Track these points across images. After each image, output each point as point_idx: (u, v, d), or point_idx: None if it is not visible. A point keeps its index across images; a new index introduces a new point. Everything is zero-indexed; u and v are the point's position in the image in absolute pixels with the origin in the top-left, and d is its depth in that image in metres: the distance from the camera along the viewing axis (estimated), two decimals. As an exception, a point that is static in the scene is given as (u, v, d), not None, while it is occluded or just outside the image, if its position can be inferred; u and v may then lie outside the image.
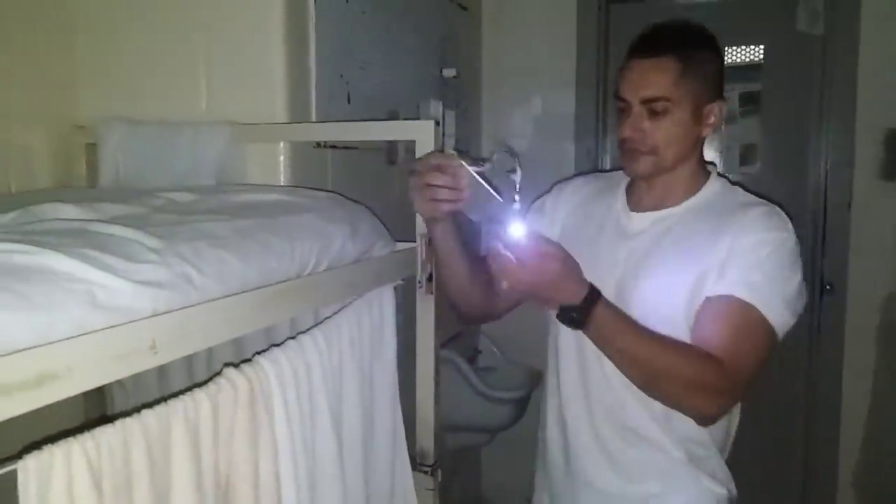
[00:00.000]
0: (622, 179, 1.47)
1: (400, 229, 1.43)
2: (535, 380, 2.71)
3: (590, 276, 1.22)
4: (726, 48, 2.83)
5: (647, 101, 1.29)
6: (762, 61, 2.81)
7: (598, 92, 2.87)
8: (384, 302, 1.34)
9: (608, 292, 1.25)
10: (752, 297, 1.21)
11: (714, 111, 1.32)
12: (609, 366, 1.27)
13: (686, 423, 1.29)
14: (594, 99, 2.86)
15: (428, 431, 1.43)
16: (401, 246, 1.42)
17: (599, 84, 2.87)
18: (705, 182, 1.37)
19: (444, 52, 2.52)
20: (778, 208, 1.33)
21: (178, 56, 1.69)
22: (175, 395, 0.85)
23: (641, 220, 1.38)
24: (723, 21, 2.85)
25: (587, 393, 1.40)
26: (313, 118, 1.73)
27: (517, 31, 2.89)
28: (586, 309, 1.18)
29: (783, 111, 2.81)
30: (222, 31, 1.65)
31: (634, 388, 1.26)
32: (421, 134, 1.43)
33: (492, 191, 1.23)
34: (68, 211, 1.04)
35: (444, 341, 2.61)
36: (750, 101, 2.82)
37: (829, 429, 2.67)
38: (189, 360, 1.32)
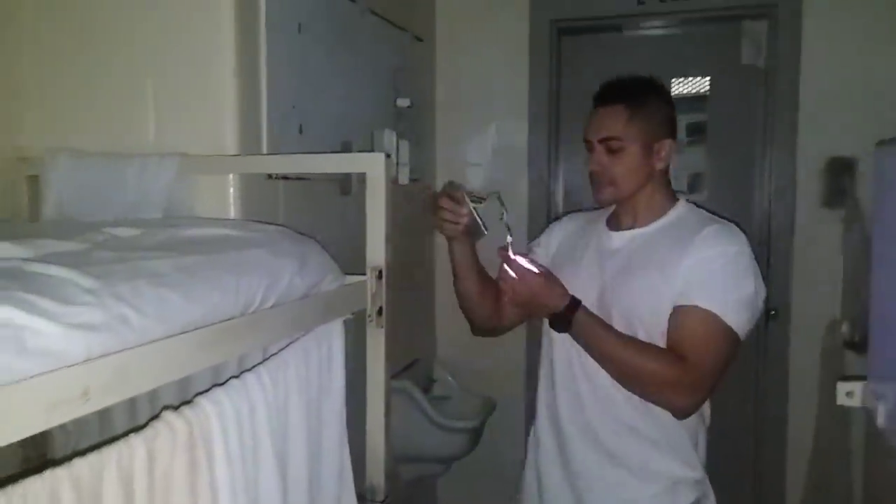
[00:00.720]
0: (607, 211, 1.72)
1: (353, 261, 1.43)
2: (490, 408, 2.72)
3: (576, 286, 1.54)
4: (673, 80, 2.91)
5: (603, 141, 1.58)
6: (708, 93, 2.89)
7: (551, 121, 2.91)
8: (333, 336, 1.33)
9: (592, 298, 1.56)
10: (710, 304, 1.44)
11: (664, 147, 1.59)
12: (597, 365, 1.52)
13: (664, 415, 1.50)
14: (546, 128, 2.90)
15: (378, 467, 1.42)
16: (351, 279, 1.41)
17: (552, 113, 2.91)
18: (672, 206, 1.62)
19: (398, 81, 2.54)
20: (733, 225, 1.57)
21: (125, 86, 1.67)
22: (112, 440, 0.83)
23: (619, 238, 1.63)
24: (670, 54, 2.94)
25: (578, 388, 1.62)
26: (264, 149, 1.73)
27: (471, 62, 2.92)
28: (568, 315, 1.49)
29: (728, 141, 2.89)
30: (172, 61, 1.64)
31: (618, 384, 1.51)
32: (372, 166, 1.44)
33: (481, 221, 1.59)
34: (5, 248, 1.02)
35: (399, 371, 2.61)
36: (696, 132, 2.89)
37: (776, 450, 2.72)
38: (132, 400, 1.29)
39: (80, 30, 1.69)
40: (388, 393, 1.47)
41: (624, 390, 1.52)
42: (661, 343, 1.49)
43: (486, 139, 2.95)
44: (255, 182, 1.68)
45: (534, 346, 2.90)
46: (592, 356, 1.52)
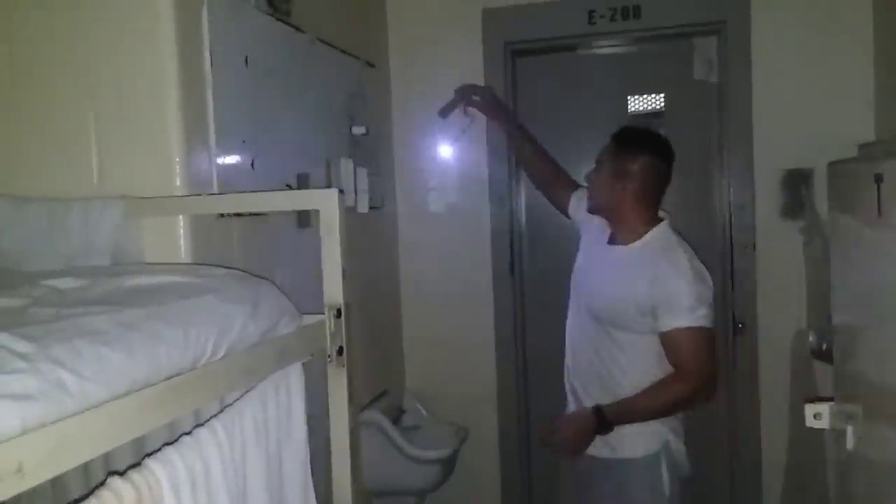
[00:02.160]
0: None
1: (317, 294, 1.38)
2: (462, 437, 2.67)
3: (583, 281, 2.12)
4: (628, 97, 2.92)
5: (596, 161, 2.09)
6: (663, 109, 2.91)
7: (509, 143, 2.90)
8: (292, 381, 1.28)
9: (586, 287, 2.10)
10: (687, 322, 1.87)
11: (632, 182, 1.99)
12: (600, 351, 2.00)
13: (633, 385, 1.95)
14: (505, 151, 2.89)
15: (346, 513, 1.37)
16: (308, 319, 1.37)
17: (510, 136, 2.90)
18: (650, 230, 1.98)
19: (352, 109, 2.51)
20: (690, 255, 1.97)
21: (66, 126, 1.61)
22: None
23: (611, 250, 2.05)
24: (624, 72, 2.96)
25: (586, 369, 2.05)
26: (215, 187, 1.67)
27: (426, 86, 2.90)
28: (603, 422, 1.92)
29: (686, 156, 2.86)
30: (114, 99, 1.58)
31: (619, 365, 1.97)
32: (326, 202, 1.39)
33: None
34: (-67, 310, 0.96)
35: (367, 403, 2.55)
36: (655, 148, 2.90)
37: (751, 465, 2.72)
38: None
39: (16, 65, 1.62)
40: (355, 433, 1.42)
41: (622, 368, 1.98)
42: (618, 333, 1.96)
43: (446, 163, 2.92)
44: (206, 222, 1.63)
45: (504, 372, 2.88)
46: (636, 421, 1.95)
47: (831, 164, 1.19)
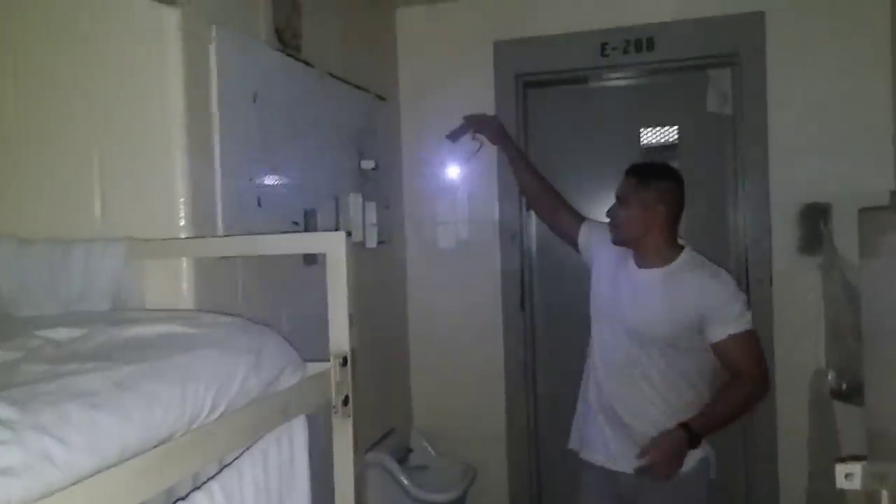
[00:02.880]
0: (628, 251, 2.18)
1: (323, 334, 1.33)
2: (470, 477, 2.60)
3: (608, 300, 2.17)
4: (641, 129, 2.88)
5: (618, 198, 2.15)
6: (677, 141, 2.86)
7: (521, 175, 2.86)
8: (294, 434, 1.23)
9: (620, 311, 2.12)
10: (737, 328, 2.01)
11: (659, 213, 2.09)
12: (648, 371, 2.07)
13: (685, 398, 2.05)
14: (515, 187, 2.85)
15: (349, 571, 1.31)
16: (313, 368, 1.32)
17: (515, 166, 2.86)
18: (679, 253, 2.11)
19: (362, 143, 2.48)
20: (720, 268, 2.14)
21: (69, 167, 1.58)
22: None
23: (644, 273, 2.12)
24: (636, 104, 2.92)
25: (629, 391, 2.09)
26: (220, 228, 1.64)
27: (437, 119, 2.86)
28: (693, 436, 1.99)
29: (700, 189, 2.84)
30: (118, 138, 1.56)
31: (667, 381, 2.06)
32: (332, 245, 1.35)
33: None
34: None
35: (373, 443, 2.49)
36: (668, 181, 2.86)
37: (770, 507, 2.63)
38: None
39: (20, 102, 1.60)
40: (360, 481, 1.37)
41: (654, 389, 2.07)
42: (653, 347, 2.05)
43: (455, 198, 2.88)
44: (211, 264, 1.59)
45: (514, 410, 2.82)
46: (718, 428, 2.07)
47: (863, 211, 1.14)
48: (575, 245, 2.36)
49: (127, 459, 0.85)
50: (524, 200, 2.85)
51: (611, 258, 2.20)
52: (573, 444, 2.25)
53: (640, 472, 2.00)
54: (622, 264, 2.16)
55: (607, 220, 2.17)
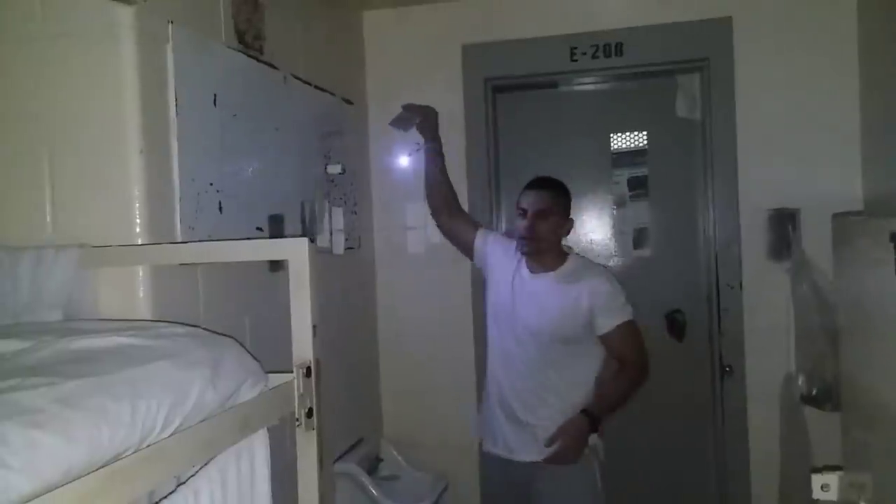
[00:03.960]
0: (517, 253, 2.35)
1: (289, 342, 1.28)
2: (441, 486, 2.56)
3: (500, 299, 2.34)
4: (611, 134, 2.87)
5: (537, 211, 2.28)
6: (646, 146, 2.85)
7: (490, 178, 2.84)
8: (255, 450, 1.18)
9: (508, 310, 2.30)
10: (622, 318, 2.24)
11: (568, 222, 2.35)
12: (548, 367, 2.25)
13: (579, 391, 2.24)
14: (487, 185, 2.82)
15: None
16: (275, 379, 1.26)
17: (491, 170, 2.84)
18: (566, 257, 2.33)
19: (328, 147, 2.42)
20: (602, 266, 2.49)
21: (19, 169, 1.51)
22: None
23: (536, 278, 2.30)
24: (606, 109, 2.91)
25: (532, 388, 2.26)
26: (178, 234, 1.58)
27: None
28: (593, 421, 2.21)
29: (670, 194, 2.85)
30: (70, 142, 1.49)
31: (570, 373, 2.24)
32: (295, 252, 1.31)
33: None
34: None
35: (342, 453, 2.44)
36: (638, 186, 2.85)
37: (741, 513, 2.62)
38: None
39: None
40: (326, 497, 1.32)
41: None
42: (550, 347, 2.23)
43: (424, 201, 2.84)
44: (168, 271, 1.53)
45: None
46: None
47: (836, 216, 1.12)
48: (469, 250, 2.49)
49: (71, 481, 0.79)
50: (494, 200, 2.83)
51: (506, 266, 2.36)
52: (486, 446, 2.39)
53: (550, 460, 2.19)
54: (517, 272, 2.33)
55: (522, 234, 2.27)
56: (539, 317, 2.25)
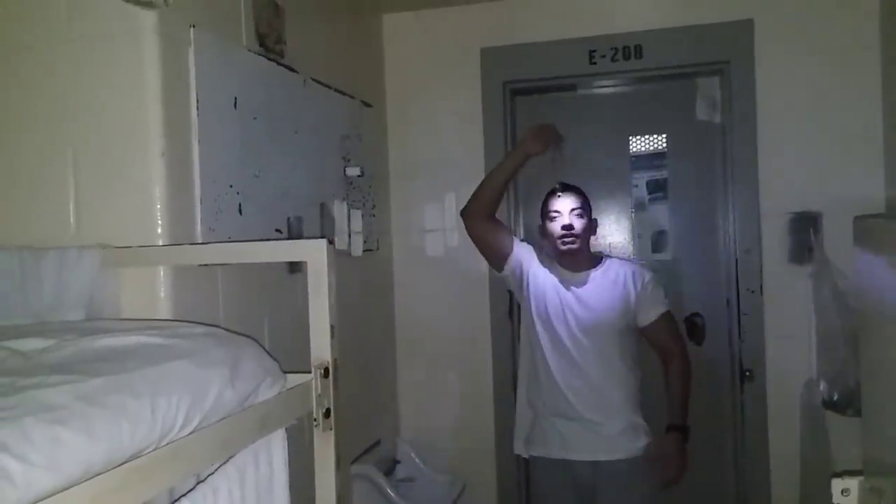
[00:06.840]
0: (551, 258, 2.42)
1: (307, 343, 1.29)
2: (459, 489, 2.56)
3: (565, 313, 2.33)
4: (630, 137, 2.86)
5: (573, 210, 2.35)
6: (666, 149, 2.84)
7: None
8: (273, 449, 1.19)
9: (560, 311, 2.33)
10: (664, 308, 2.34)
11: (595, 222, 2.44)
12: (601, 366, 2.29)
13: (637, 382, 2.32)
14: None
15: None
16: (293, 379, 1.27)
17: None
18: (600, 256, 2.44)
19: (347, 150, 2.44)
20: (640, 264, 2.52)
21: (43, 172, 1.54)
22: None
23: (579, 276, 2.36)
24: (625, 112, 2.90)
25: (591, 388, 2.28)
26: (199, 235, 1.60)
27: (424, 125, 2.85)
28: (682, 431, 2.28)
29: (690, 197, 2.83)
30: (93, 145, 1.51)
31: (618, 368, 2.29)
32: (313, 253, 1.31)
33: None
34: None
35: (359, 454, 2.44)
36: (658, 189, 2.84)
37: (761, 520, 2.60)
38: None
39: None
40: (344, 498, 1.32)
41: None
42: (602, 338, 2.28)
43: (443, 203, 2.85)
44: (189, 272, 1.55)
45: (503, 421, 2.77)
46: None
47: (858, 219, 1.11)
48: (501, 257, 2.42)
49: (92, 477, 0.81)
50: (513, 203, 2.83)
51: (545, 272, 2.39)
52: (518, 449, 2.41)
53: (666, 485, 2.25)
54: (554, 274, 2.37)
55: (562, 232, 2.30)
56: (595, 312, 2.30)
